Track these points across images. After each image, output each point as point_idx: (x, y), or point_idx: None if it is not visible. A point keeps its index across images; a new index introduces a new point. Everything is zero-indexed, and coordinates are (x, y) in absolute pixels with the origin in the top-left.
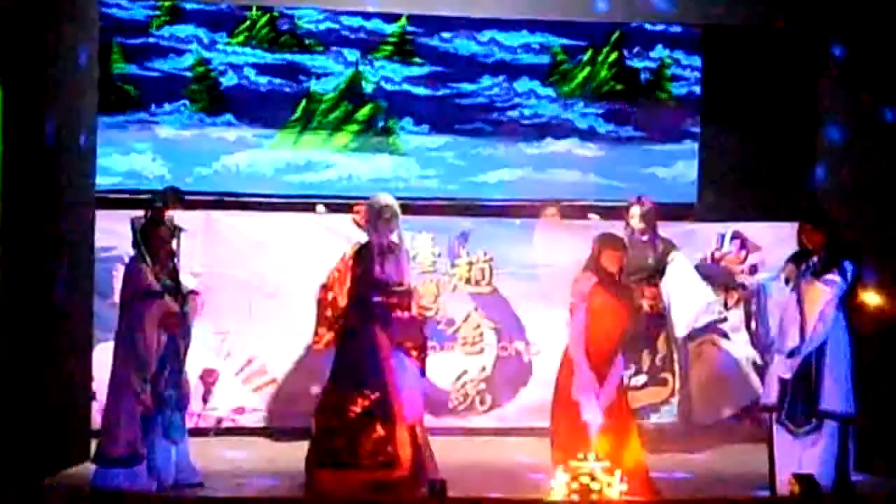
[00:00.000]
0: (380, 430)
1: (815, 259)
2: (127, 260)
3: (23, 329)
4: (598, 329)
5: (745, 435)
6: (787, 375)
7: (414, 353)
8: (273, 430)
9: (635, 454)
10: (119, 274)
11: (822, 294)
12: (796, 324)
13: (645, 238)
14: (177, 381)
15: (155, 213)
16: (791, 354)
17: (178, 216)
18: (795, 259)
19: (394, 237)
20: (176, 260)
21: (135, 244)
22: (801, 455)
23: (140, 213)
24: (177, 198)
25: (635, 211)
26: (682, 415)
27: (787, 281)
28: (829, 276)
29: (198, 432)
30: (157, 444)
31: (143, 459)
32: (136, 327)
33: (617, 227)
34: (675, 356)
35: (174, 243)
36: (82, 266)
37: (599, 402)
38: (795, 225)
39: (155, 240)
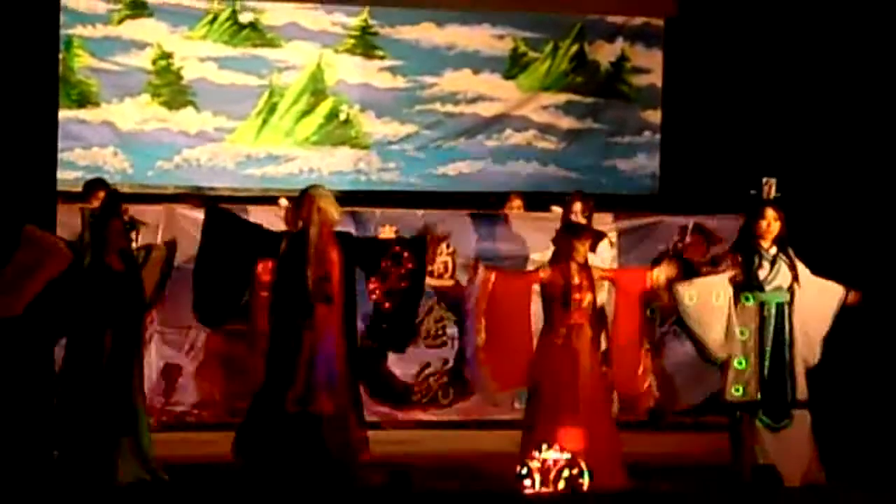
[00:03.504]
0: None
1: (770, 252)
2: None
3: None
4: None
5: (707, 425)
6: (745, 367)
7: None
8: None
9: (610, 442)
10: None
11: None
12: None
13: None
14: (123, 374)
15: (110, 205)
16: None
17: (138, 210)
18: (743, 256)
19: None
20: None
21: (81, 237)
22: (780, 447)
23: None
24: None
25: (577, 207)
26: (642, 405)
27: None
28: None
29: (161, 427)
30: (108, 439)
31: (94, 455)
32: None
33: None
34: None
35: (132, 237)
36: None
37: None
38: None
39: (109, 233)
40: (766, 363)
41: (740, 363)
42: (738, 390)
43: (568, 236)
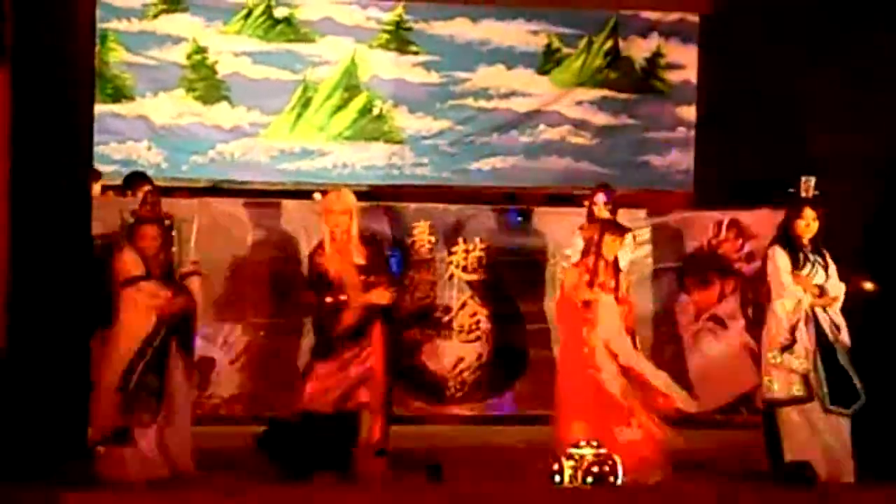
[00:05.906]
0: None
1: (808, 250)
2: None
3: (23, 317)
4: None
5: (742, 422)
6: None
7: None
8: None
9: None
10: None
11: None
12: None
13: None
14: (162, 367)
15: (143, 207)
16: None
17: (173, 204)
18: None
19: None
20: (169, 251)
21: (123, 236)
22: (816, 442)
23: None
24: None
25: (600, 199)
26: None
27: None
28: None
29: (195, 420)
30: (142, 430)
31: (128, 444)
32: (122, 313)
33: None
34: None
35: (167, 234)
36: (79, 254)
37: None
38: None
39: (143, 235)
40: (818, 361)
41: (774, 357)
42: (773, 384)
43: (600, 232)
